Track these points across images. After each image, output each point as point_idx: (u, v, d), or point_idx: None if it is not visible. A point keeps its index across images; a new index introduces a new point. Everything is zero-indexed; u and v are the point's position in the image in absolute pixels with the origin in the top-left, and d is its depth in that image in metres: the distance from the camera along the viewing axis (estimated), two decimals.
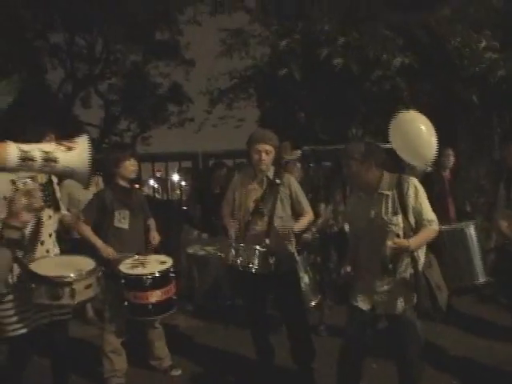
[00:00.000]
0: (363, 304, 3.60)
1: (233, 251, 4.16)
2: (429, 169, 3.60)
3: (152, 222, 4.90)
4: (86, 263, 3.66)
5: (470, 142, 8.06)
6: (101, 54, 19.85)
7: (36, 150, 2.21)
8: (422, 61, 6.86)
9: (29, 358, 3.74)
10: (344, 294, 4.19)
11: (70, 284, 3.40)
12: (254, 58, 10.97)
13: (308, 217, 4.50)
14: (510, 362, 4.77)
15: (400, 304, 3.48)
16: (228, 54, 11.16)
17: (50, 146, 2.26)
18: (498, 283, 6.53)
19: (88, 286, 3.54)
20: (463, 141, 8.08)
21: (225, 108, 13.32)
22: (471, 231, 4.51)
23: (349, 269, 3.62)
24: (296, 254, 4.58)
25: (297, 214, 4.48)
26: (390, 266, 3.39)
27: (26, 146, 2.21)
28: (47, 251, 3.70)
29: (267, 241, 4.22)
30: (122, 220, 4.49)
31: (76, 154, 2.29)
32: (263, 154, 4.31)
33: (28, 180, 3.29)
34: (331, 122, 10.08)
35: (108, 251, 4.38)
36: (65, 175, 2.53)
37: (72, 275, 3.42)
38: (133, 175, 4.63)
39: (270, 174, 4.44)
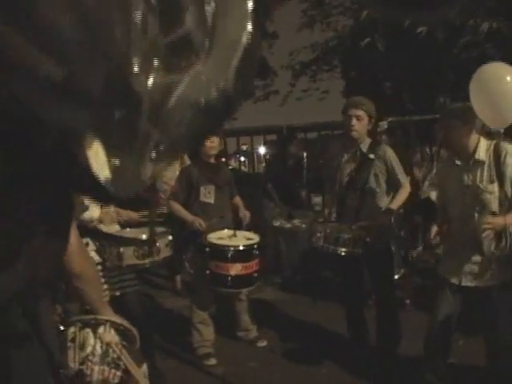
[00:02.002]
0: (453, 277, 3.52)
1: (318, 234, 4.12)
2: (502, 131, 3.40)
3: (238, 200, 4.98)
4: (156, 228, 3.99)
5: None
6: None
7: None
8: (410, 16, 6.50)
9: None
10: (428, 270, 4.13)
11: (155, 241, 3.77)
12: (336, 30, 10.79)
13: (405, 191, 4.32)
14: None
15: (491, 277, 3.39)
16: (309, 26, 11.02)
17: None
18: None
19: (168, 244, 3.89)
20: None
21: (308, 80, 13.23)
22: None
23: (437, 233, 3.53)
24: (391, 228, 4.49)
25: (393, 188, 4.32)
26: (485, 247, 3.29)
27: None
28: None
29: (354, 227, 4.09)
30: (207, 195, 4.61)
31: None
32: (354, 120, 4.15)
33: None
34: (418, 92, 9.79)
35: (198, 221, 4.49)
36: None
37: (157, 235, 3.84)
38: (213, 152, 4.69)
39: (364, 146, 4.28)
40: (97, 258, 3.75)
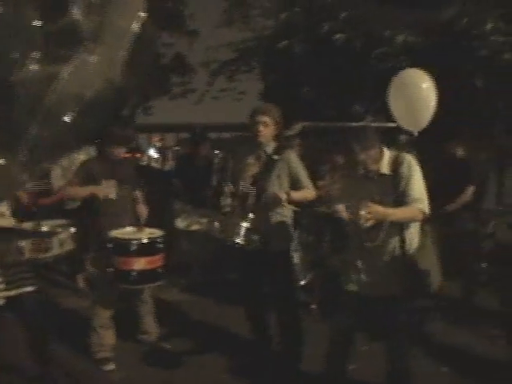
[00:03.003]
0: (352, 286, 3.53)
1: (217, 224, 4.16)
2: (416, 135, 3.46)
3: (138, 194, 4.81)
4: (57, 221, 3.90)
5: (474, 128, 7.95)
6: None
7: None
8: (426, 41, 6.71)
9: None
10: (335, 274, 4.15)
11: (58, 233, 3.56)
12: (255, 30, 10.80)
13: (307, 192, 4.35)
14: (500, 348, 4.76)
15: (388, 286, 3.39)
16: (229, 25, 10.98)
17: None
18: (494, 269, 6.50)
19: (70, 237, 3.68)
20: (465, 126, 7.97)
21: (226, 80, 13.18)
22: None
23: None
24: (291, 233, 4.50)
25: (296, 190, 4.33)
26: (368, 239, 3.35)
27: None
28: None
29: (251, 215, 4.11)
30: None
31: None
32: (261, 126, 4.23)
33: None
34: (335, 98, 9.95)
35: (105, 190, 4.33)
36: None
37: (58, 227, 3.69)
38: (118, 158, 4.54)
39: (269, 149, 4.34)
40: None
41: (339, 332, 3.62)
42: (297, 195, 4.27)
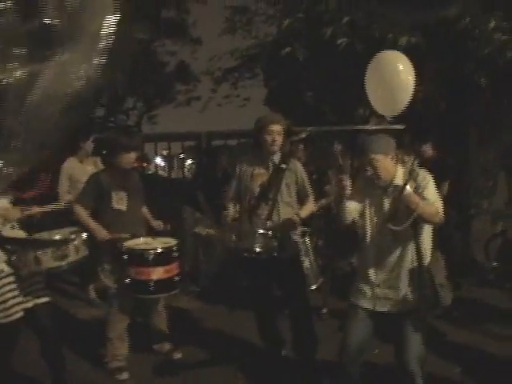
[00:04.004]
0: (365, 302, 3.49)
1: (233, 236, 4.16)
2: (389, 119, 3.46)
3: (145, 210, 4.87)
4: (68, 228, 3.92)
5: (480, 127, 7.94)
6: None
7: None
8: (429, 41, 6.71)
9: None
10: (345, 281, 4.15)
11: (73, 240, 3.68)
12: (257, 37, 10.82)
13: (311, 203, 4.51)
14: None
15: (406, 302, 3.36)
16: (231, 32, 11.00)
17: None
18: (503, 268, 6.51)
19: (84, 243, 3.81)
20: (473, 124, 7.96)
21: (229, 87, 13.20)
22: None
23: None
24: (299, 238, 4.50)
25: (301, 199, 4.47)
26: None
27: None
28: None
29: (269, 223, 4.21)
30: (119, 201, 4.45)
31: None
32: (276, 135, 4.29)
33: None
34: (339, 103, 9.93)
35: (102, 233, 4.34)
36: None
37: (69, 233, 3.74)
38: (128, 167, 4.57)
39: (276, 158, 4.40)
40: (6, 270, 3.55)
41: (351, 348, 3.52)
42: (305, 213, 4.41)
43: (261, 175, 4.41)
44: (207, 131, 8.99)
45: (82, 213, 4.40)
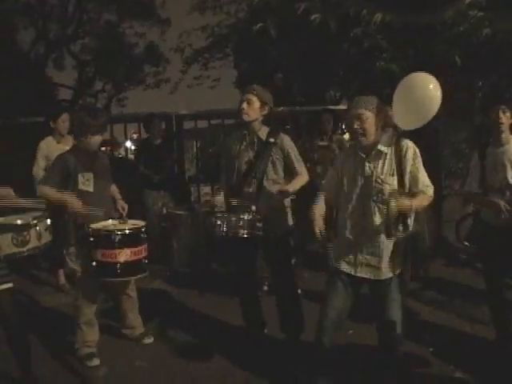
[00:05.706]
0: (347, 267, 3.47)
1: (219, 222, 4.07)
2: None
3: (114, 189, 4.74)
4: (31, 213, 3.74)
5: (450, 106, 7.93)
6: (73, 14, 19.22)
7: None
8: (404, 19, 6.65)
9: None
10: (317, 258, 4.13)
11: (35, 226, 3.57)
12: (228, 13, 10.66)
13: (301, 178, 4.32)
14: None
15: (387, 269, 3.37)
16: (202, 9, 10.81)
17: None
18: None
19: (47, 229, 3.73)
20: (442, 104, 7.95)
21: (200, 68, 13.00)
22: None
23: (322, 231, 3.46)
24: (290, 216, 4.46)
25: (291, 175, 4.34)
26: (393, 227, 3.29)
27: None
28: None
29: (254, 208, 4.10)
30: (86, 182, 4.29)
31: None
32: (244, 104, 4.22)
33: None
34: (309, 84, 9.89)
35: (78, 203, 4.14)
36: None
37: (31, 219, 3.59)
38: (94, 148, 4.41)
39: (262, 134, 4.30)
40: None
41: (330, 316, 3.51)
42: (294, 187, 4.25)
43: (247, 152, 4.31)
44: (177, 113, 8.81)
45: (50, 190, 4.21)
